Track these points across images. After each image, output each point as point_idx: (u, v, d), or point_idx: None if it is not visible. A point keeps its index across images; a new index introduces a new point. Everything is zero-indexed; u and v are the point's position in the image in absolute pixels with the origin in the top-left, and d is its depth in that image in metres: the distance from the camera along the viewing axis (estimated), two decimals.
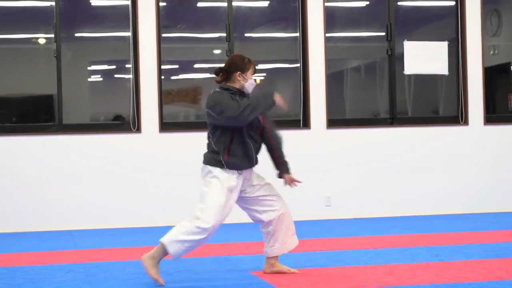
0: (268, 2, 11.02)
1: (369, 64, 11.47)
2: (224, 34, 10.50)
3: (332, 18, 10.87)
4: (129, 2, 10.21)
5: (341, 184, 10.50)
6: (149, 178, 10.01)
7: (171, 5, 10.71)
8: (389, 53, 10.86)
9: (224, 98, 5.90)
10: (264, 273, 6.23)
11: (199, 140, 9.94)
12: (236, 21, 10.60)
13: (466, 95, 10.92)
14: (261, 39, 11.19)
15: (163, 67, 10.29)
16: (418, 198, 10.69)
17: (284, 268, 6.24)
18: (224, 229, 9.33)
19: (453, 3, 11.08)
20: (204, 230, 5.85)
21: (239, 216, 10.21)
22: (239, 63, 6.05)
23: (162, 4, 10.39)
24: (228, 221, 10.21)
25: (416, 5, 11.34)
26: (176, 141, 10.18)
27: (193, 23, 10.83)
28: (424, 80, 11.11)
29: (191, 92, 10.75)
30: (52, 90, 10.12)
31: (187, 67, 10.97)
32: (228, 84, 6.04)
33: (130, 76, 10.23)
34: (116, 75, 10.89)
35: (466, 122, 10.91)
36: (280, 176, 6.29)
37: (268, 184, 6.20)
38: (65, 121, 10.10)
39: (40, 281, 6.07)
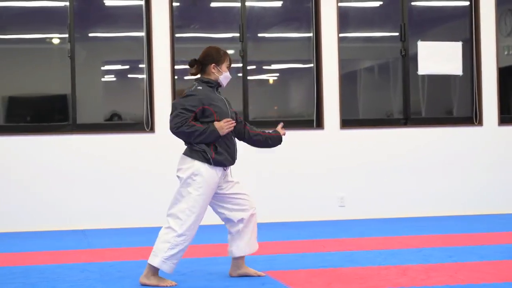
0: (281, 2, 11.01)
1: (383, 64, 11.44)
2: (238, 34, 10.50)
3: (346, 18, 10.86)
4: (142, 2, 10.23)
5: (354, 185, 10.48)
6: (163, 177, 10.01)
7: (185, 5, 10.72)
8: (403, 53, 10.84)
9: (188, 102, 5.81)
10: (230, 276, 6.13)
11: None
12: (249, 21, 10.60)
13: (480, 96, 10.88)
14: (274, 39, 11.18)
15: (176, 67, 10.30)
16: (431, 199, 10.66)
17: (251, 270, 6.15)
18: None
19: (467, 3, 11.05)
20: (187, 236, 5.82)
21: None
22: (214, 55, 5.97)
23: (175, 4, 10.40)
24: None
25: (430, 5, 11.30)
26: None
27: (207, 23, 10.83)
28: (438, 81, 11.08)
29: None
30: (66, 90, 10.15)
31: None
32: (204, 76, 5.97)
33: (144, 76, 10.25)
34: (129, 75, 10.91)
35: (480, 123, 10.88)
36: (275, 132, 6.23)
37: (238, 182, 6.09)
38: (79, 120, 10.13)
39: (54, 280, 6.09)
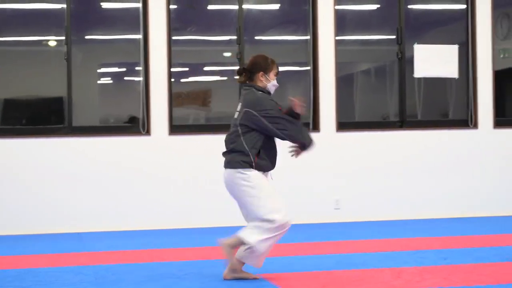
0: (279, 5, 11.02)
1: (379, 67, 11.45)
2: (235, 37, 10.51)
3: (343, 21, 10.87)
4: (140, 5, 10.23)
5: (350, 187, 10.48)
6: (158, 180, 10.02)
7: (182, 8, 10.72)
8: (399, 56, 10.85)
9: (277, 108, 5.94)
10: (225, 278, 6.09)
11: (208, 143, 10.02)
12: (246, 24, 10.60)
13: (476, 99, 10.89)
14: (271, 42, 11.18)
15: (173, 69, 10.30)
16: (427, 201, 10.66)
17: (247, 274, 6.12)
18: (230, 232, 9.34)
19: (464, 6, 11.05)
20: (284, 225, 5.93)
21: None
22: (262, 64, 6.07)
23: (172, 7, 10.40)
24: (237, 223, 10.23)
25: (426, 9, 11.31)
26: (186, 143, 10.19)
27: (204, 26, 10.83)
28: (434, 83, 11.08)
29: (201, 95, 10.75)
30: (62, 92, 10.15)
31: (197, 70, 10.98)
32: (252, 83, 6.05)
33: (140, 78, 10.25)
34: (126, 78, 10.91)
35: (475, 126, 10.88)
36: None
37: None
38: (75, 123, 10.13)
39: (50, 284, 6.09)
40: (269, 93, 6.10)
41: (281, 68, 11.10)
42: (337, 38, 10.63)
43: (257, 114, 5.90)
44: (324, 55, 10.53)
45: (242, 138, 5.93)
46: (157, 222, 9.89)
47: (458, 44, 10.83)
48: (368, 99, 11.26)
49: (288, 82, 11.33)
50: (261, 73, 6.04)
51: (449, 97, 11.33)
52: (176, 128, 10.24)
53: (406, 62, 10.85)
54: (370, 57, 11.47)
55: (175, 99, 10.37)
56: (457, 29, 11.15)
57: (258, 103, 5.93)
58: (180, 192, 10.07)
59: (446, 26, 11.42)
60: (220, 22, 10.78)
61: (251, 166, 5.88)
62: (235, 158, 5.93)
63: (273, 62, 6.11)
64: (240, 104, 6.07)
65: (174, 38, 10.36)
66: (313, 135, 10.35)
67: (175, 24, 10.44)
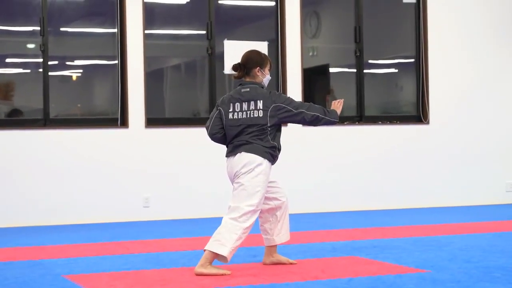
0: None
1: (190, 62, 11.37)
2: (38, 28, 10.10)
3: (152, 15, 10.69)
4: None
5: (160, 185, 10.31)
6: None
7: None
8: (209, 52, 10.79)
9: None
10: (264, 264, 6.33)
11: (9, 138, 9.65)
12: (51, 15, 10.21)
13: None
14: (77, 34, 10.82)
15: None
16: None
17: (283, 258, 6.37)
18: (35, 232, 9.00)
19: (273, 3, 11.12)
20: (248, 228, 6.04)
21: (54, 218, 9.91)
22: (257, 59, 6.22)
23: None
24: (40, 223, 9.92)
25: (236, 4, 11.33)
26: None
27: (5, 15, 10.36)
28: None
29: (3, 88, 10.31)
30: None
31: None
32: (248, 79, 6.18)
33: None
34: None
35: None
36: None
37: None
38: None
39: None
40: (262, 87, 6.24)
41: (88, 62, 10.92)
42: (146, 32, 10.44)
43: (285, 106, 6.07)
44: (133, 49, 10.31)
45: (268, 134, 6.09)
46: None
47: (268, 41, 10.89)
48: (178, 95, 11.15)
49: (96, 76, 11.07)
50: (257, 68, 6.19)
51: None
52: None
53: (216, 58, 10.80)
54: (180, 52, 11.38)
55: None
56: (266, 26, 11.23)
57: (285, 99, 6.13)
58: None
59: (256, 23, 11.49)
60: (22, 11, 10.34)
61: (273, 160, 6.12)
62: (261, 148, 6.06)
63: (266, 56, 6.29)
64: (245, 102, 6.09)
65: None
66: (121, 131, 10.23)
67: None
